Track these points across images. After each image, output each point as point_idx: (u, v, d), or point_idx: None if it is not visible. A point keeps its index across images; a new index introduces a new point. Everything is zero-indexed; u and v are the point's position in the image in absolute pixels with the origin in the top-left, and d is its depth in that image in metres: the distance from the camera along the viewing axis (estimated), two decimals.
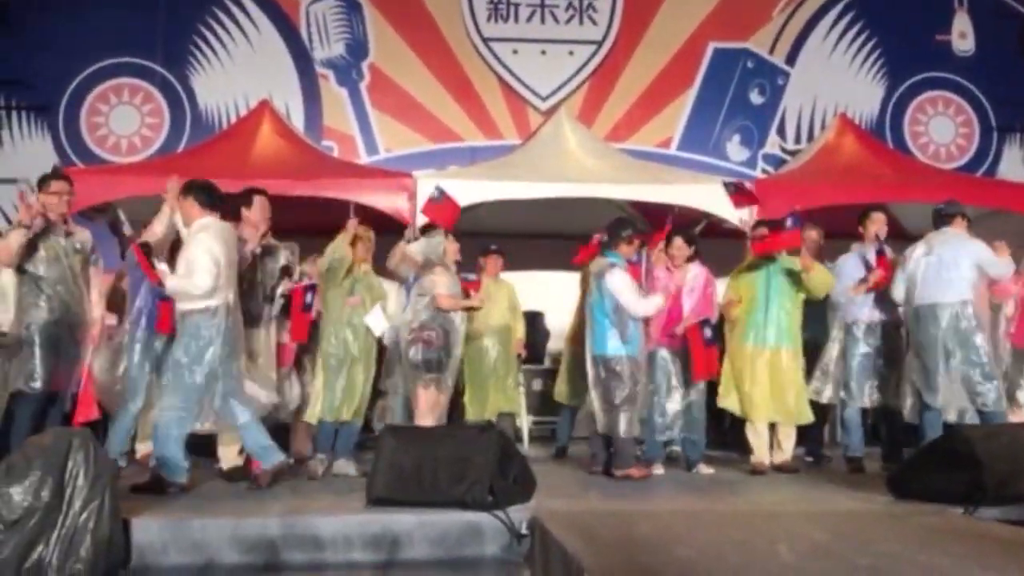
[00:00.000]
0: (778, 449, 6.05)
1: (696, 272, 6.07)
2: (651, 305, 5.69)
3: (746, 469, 5.98)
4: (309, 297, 5.51)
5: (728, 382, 6.07)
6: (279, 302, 5.46)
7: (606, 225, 5.97)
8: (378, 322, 5.70)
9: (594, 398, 5.67)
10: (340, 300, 5.66)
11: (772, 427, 6.11)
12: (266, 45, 9.83)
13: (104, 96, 9.57)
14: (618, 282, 5.62)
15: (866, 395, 6.02)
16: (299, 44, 9.90)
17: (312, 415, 5.71)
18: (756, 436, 6.03)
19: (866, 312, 6.07)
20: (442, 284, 5.69)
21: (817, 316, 6.24)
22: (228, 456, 5.35)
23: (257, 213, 5.44)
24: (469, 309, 5.88)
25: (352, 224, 5.76)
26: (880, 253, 6.09)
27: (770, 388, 5.94)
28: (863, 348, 6.02)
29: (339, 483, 5.31)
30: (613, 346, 5.59)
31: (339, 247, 5.59)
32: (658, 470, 5.92)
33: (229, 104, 9.62)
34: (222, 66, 9.74)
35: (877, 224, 6.20)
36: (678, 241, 6.05)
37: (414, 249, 5.84)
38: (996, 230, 7.37)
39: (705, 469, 5.94)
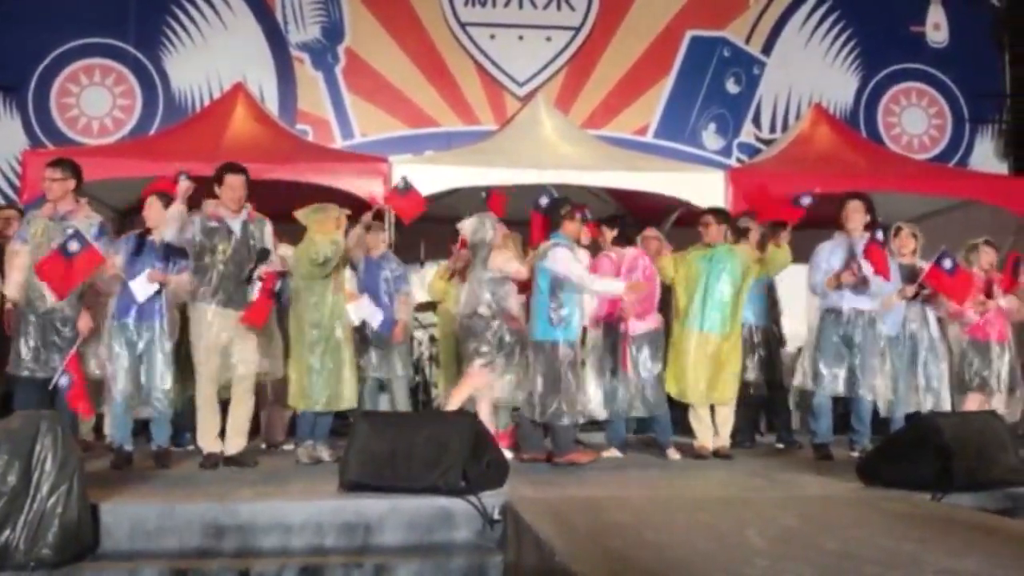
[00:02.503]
0: (715, 435, 6.12)
1: (632, 255, 6.05)
2: (609, 284, 5.60)
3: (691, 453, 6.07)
4: (279, 285, 5.39)
5: (672, 368, 6.09)
6: (256, 284, 5.29)
7: (544, 209, 5.92)
8: (373, 313, 5.67)
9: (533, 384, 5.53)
10: (320, 287, 5.61)
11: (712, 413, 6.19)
12: (240, 27, 9.70)
13: (75, 77, 9.41)
14: (562, 258, 5.49)
15: (838, 383, 5.99)
16: (274, 26, 9.78)
17: (294, 403, 5.67)
18: (698, 421, 6.10)
19: (834, 299, 5.97)
20: (511, 260, 5.67)
21: (765, 301, 6.27)
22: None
23: (226, 192, 5.31)
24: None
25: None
26: (874, 242, 5.90)
27: (707, 373, 5.98)
28: (834, 336, 5.99)
29: (311, 469, 5.29)
30: (546, 331, 5.51)
31: (350, 239, 5.67)
32: (614, 453, 6.03)
33: (203, 86, 9.51)
34: (196, 48, 9.61)
35: (859, 213, 6.06)
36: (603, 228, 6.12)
37: (466, 227, 5.78)
38: (966, 221, 7.48)
39: (673, 454, 6.00)
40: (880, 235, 5.97)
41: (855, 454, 5.82)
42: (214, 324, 5.20)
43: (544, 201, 6.09)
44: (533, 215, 6.11)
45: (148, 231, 5.39)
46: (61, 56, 9.37)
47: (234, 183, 5.33)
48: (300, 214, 5.65)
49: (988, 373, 6.23)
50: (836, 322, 5.98)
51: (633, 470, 5.51)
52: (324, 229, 5.65)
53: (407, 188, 6.34)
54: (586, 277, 5.55)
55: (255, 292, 5.26)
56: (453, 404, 5.55)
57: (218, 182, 5.33)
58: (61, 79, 9.37)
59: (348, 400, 5.62)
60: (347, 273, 6.10)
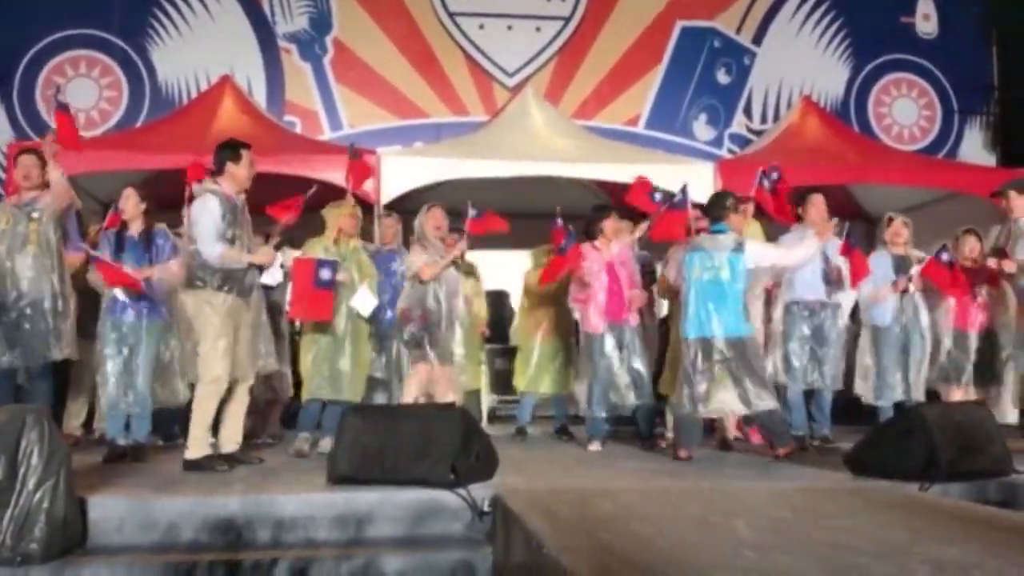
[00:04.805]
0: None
1: (619, 249, 6.09)
2: (805, 251, 5.52)
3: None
4: (327, 273, 5.15)
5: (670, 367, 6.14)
6: (278, 271, 5.08)
7: (707, 201, 5.72)
8: (365, 302, 5.65)
9: (737, 381, 5.28)
10: None
11: None
12: (227, 18, 9.66)
13: (60, 68, 9.35)
14: (761, 248, 5.49)
15: (810, 376, 6.01)
16: (261, 17, 9.74)
17: (307, 393, 5.66)
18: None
19: (799, 291, 6.00)
20: (416, 261, 5.71)
21: None
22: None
23: (245, 169, 4.93)
24: (452, 264, 5.84)
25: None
26: (848, 245, 5.93)
27: None
28: (803, 329, 6.00)
29: (301, 462, 5.28)
30: (742, 326, 5.33)
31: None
32: (595, 446, 6.02)
33: (190, 78, 9.46)
34: (182, 39, 9.56)
35: (817, 208, 6.07)
36: (613, 218, 6.12)
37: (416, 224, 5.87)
38: (955, 212, 7.50)
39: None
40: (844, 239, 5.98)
41: (815, 442, 5.98)
42: (230, 315, 4.85)
43: (658, 196, 6.04)
44: (669, 213, 6.00)
45: (125, 224, 5.30)
46: (47, 48, 9.32)
47: (252, 159, 4.96)
48: (324, 211, 5.74)
49: (969, 364, 6.26)
50: (803, 314, 6.00)
51: (622, 462, 5.51)
52: (328, 225, 5.72)
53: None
54: (785, 253, 5.56)
55: (280, 277, 5.08)
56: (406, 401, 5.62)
57: (233, 159, 4.91)
58: (47, 71, 9.31)
59: (349, 393, 5.60)
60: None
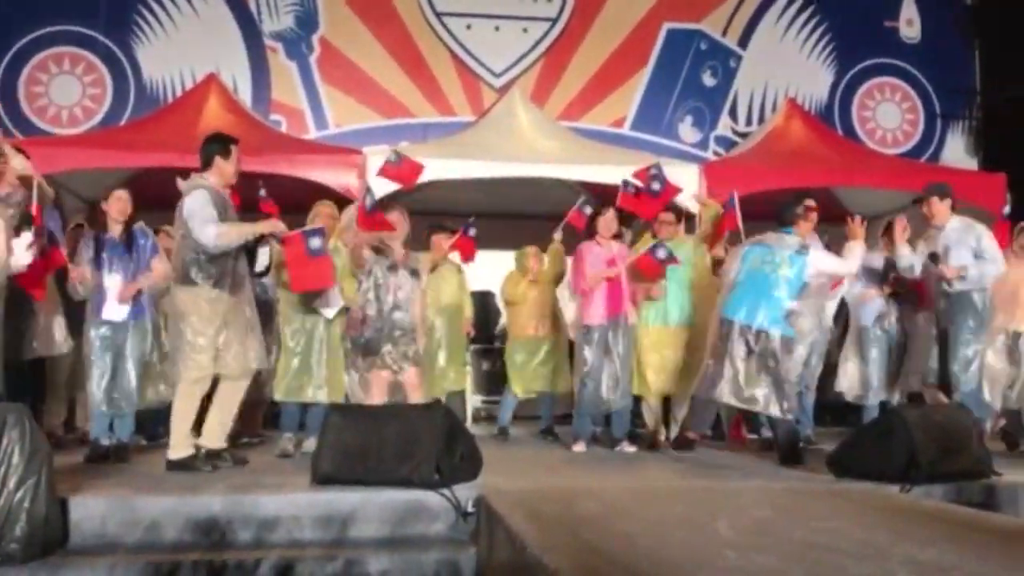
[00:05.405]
0: (674, 423, 6.23)
1: (619, 247, 6.15)
2: (857, 259, 5.55)
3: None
4: (317, 241, 4.94)
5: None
6: (265, 257, 4.92)
7: (782, 203, 5.69)
8: (327, 302, 5.61)
9: (758, 376, 5.25)
10: None
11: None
12: (213, 15, 9.60)
13: (43, 65, 9.26)
14: (824, 255, 5.49)
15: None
16: (247, 15, 9.69)
17: (278, 393, 5.63)
18: (650, 412, 6.22)
19: None
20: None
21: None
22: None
23: (232, 165, 4.84)
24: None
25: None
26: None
27: (665, 364, 6.09)
28: None
29: (284, 462, 5.27)
30: (788, 328, 5.30)
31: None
32: (580, 447, 6.02)
33: (175, 76, 9.40)
34: (167, 37, 9.50)
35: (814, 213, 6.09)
36: (610, 215, 6.13)
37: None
38: None
39: (627, 447, 6.02)
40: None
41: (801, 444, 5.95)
42: (225, 312, 4.75)
43: (393, 157, 6.25)
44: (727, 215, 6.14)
45: (105, 226, 5.26)
46: (30, 44, 9.22)
47: (239, 155, 4.88)
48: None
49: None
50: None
51: (606, 461, 5.52)
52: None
53: (398, 159, 6.45)
54: (844, 262, 5.54)
55: (262, 266, 4.93)
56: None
57: (222, 154, 4.82)
58: (30, 67, 9.22)
59: (332, 393, 5.56)
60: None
